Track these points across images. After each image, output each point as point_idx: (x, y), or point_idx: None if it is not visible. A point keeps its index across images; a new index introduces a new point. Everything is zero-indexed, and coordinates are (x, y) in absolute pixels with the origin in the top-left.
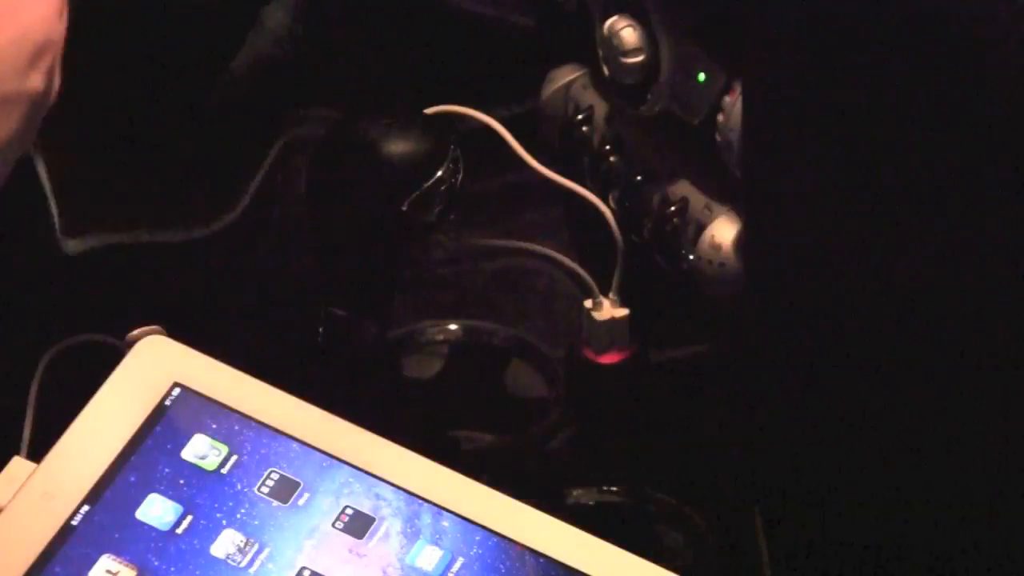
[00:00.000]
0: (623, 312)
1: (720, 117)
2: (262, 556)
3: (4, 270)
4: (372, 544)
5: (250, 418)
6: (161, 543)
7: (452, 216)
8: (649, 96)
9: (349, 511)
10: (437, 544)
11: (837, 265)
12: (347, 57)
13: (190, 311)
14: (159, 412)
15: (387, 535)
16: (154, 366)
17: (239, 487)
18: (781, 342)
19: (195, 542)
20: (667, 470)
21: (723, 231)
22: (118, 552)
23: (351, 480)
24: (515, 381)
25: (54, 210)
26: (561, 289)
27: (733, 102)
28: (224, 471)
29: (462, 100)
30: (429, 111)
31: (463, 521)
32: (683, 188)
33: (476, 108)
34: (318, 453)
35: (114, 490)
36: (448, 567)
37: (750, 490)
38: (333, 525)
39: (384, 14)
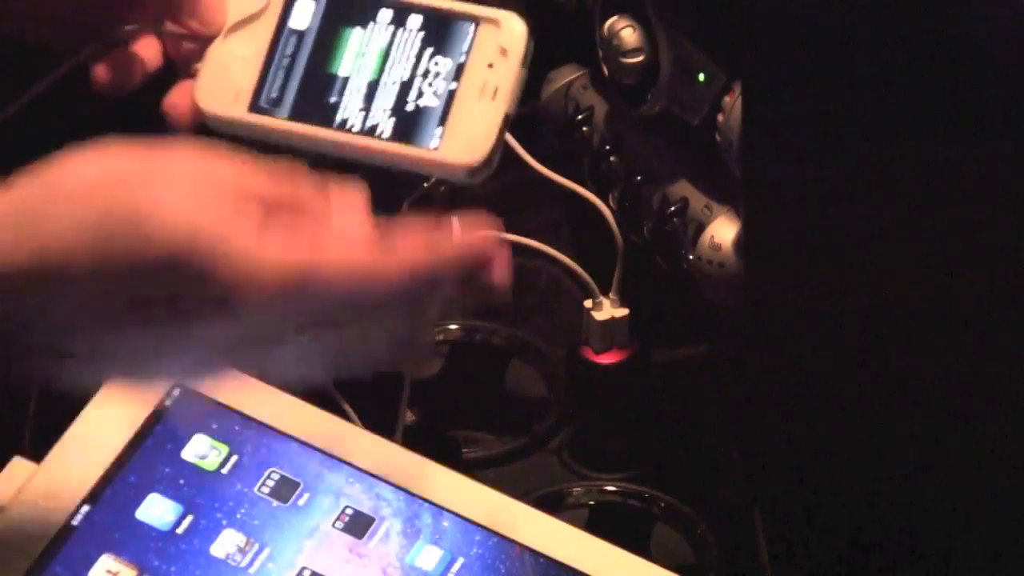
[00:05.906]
0: (623, 312)
1: (720, 117)
2: (262, 556)
3: None
4: (372, 544)
5: (250, 418)
6: (161, 543)
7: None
8: (649, 96)
9: (349, 511)
10: (437, 544)
11: (836, 265)
12: None
13: None
14: (159, 412)
15: (387, 535)
16: None
17: (239, 487)
18: (781, 342)
19: (195, 542)
20: (667, 470)
21: (723, 231)
22: (118, 552)
23: (351, 480)
24: (515, 381)
25: None
26: (561, 289)
27: (733, 102)
28: (224, 471)
29: None
30: None
31: (463, 521)
32: (683, 188)
33: None
34: (318, 453)
35: (114, 490)
36: (448, 567)
37: (750, 490)
38: (333, 525)
39: None
